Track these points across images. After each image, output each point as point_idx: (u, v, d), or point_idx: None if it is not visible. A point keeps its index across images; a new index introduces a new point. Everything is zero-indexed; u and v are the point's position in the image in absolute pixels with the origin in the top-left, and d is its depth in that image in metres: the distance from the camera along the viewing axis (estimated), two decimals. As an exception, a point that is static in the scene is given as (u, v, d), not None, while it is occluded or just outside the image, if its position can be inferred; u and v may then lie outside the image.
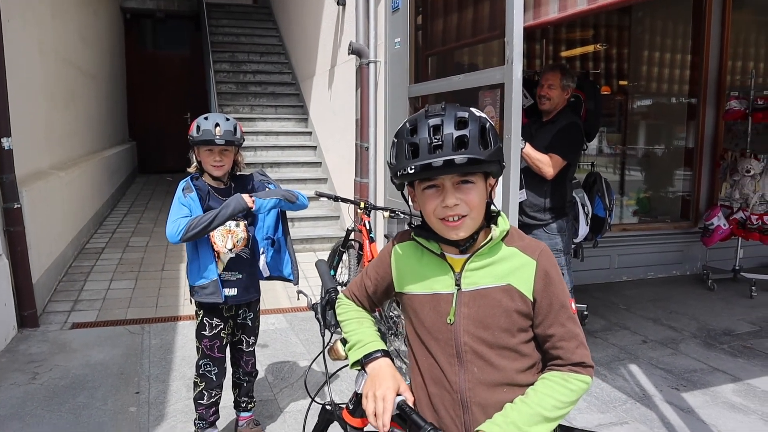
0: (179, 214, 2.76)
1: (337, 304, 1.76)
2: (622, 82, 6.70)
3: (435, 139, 1.35)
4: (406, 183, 1.49)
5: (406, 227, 1.60)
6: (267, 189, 3.01)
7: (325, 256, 5.72)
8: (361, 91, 5.89)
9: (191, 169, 2.94)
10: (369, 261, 4.21)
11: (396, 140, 1.43)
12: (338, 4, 7.18)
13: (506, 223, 1.49)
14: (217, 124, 2.74)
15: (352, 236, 4.68)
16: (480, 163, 1.34)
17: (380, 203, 5.44)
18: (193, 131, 2.78)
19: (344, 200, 4.53)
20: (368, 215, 4.43)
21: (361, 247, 4.54)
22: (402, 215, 4.25)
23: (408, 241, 1.59)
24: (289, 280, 3.11)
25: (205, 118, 2.79)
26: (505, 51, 3.57)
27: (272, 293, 5.67)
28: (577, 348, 1.43)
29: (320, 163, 9.07)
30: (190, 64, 15.03)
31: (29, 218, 4.98)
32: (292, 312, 5.26)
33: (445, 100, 4.84)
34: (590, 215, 4.48)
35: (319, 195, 4.61)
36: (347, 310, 1.72)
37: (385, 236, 4.98)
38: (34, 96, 6.02)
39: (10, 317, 4.62)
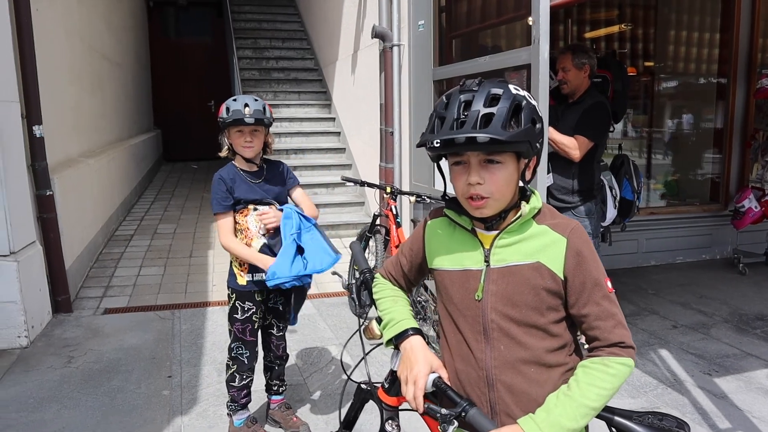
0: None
1: (373, 284, 1.77)
2: (647, 63, 6.59)
3: (463, 114, 1.35)
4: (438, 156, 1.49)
5: (439, 202, 1.60)
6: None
7: (350, 242, 5.74)
8: (384, 75, 5.86)
9: (222, 153, 2.96)
10: (396, 246, 4.23)
11: (432, 113, 1.43)
12: (361, -13, 7.14)
13: (538, 200, 1.47)
14: (246, 104, 2.75)
15: (378, 221, 4.69)
16: (502, 143, 1.32)
17: (405, 188, 5.43)
18: (222, 113, 2.79)
19: (370, 185, 4.54)
20: (394, 200, 4.43)
21: (387, 233, 4.55)
22: (428, 200, 4.24)
23: (441, 217, 1.59)
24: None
25: (234, 100, 2.80)
26: (530, 31, 3.53)
27: (299, 278, 5.71)
28: (615, 327, 1.40)
29: (344, 148, 9.07)
30: (213, 52, 15.10)
31: (61, 205, 5.07)
32: (319, 298, 5.29)
33: (471, 82, 4.81)
34: (618, 198, 4.43)
35: (345, 180, 4.62)
36: (382, 289, 1.73)
37: (412, 221, 4.98)
38: (63, 84, 6.10)
39: (45, 302, 4.72)
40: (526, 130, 1.35)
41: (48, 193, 4.82)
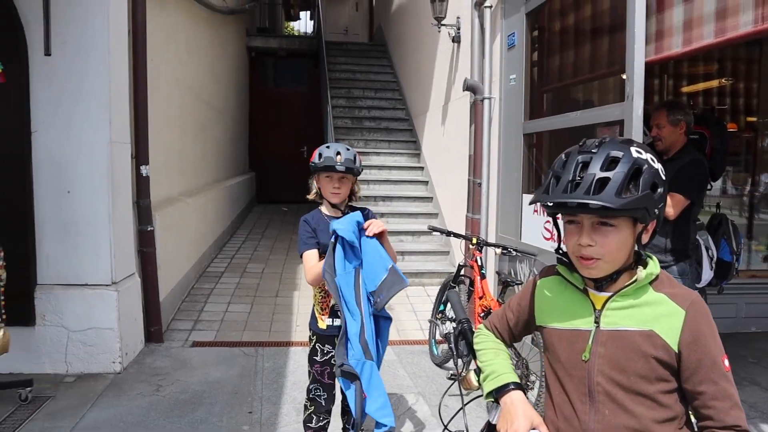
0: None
1: (475, 334, 1.78)
2: (750, 119, 6.33)
3: (579, 176, 1.34)
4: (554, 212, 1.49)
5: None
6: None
7: (434, 290, 5.74)
8: (474, 127, 5.92)
9: (310, 196, 3.06)
10: (480, 297, 4.20)
11: (549, 170, 1.44)
12: (453, 41, 7.30)
13: (656, 267, 1.43)
14: (338, 153, 2.85)
15: (463, 272, 4.67)
16: (614, 211, 1.30)
17: (492, 239, 5.40)
18: (315, 158, 2.89)
19: (456, 235, 4.55)
20: (480, 251, 4.42)
21: (471, 283, 4.53)
22: (515, 252, 4.21)
23: (552, 275, 1.59)
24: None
25: (327, 147, 2.90)
26: (624, 87, 3.50)
27: (380, 324, 5.73)
28: (731, 409, 1.34)
29: (431, 198, 9.14)
30: (308, 100, 15.68)
31: (160, 241, 5.36)
32: (400, 345, 5.29)
33: (561, 137, 4.80)
34: (715, 259, 4.23)
35: (432, 229, 4.66)
36: (485, 341, 1.73)
37: (497, 273, 4.93)
38: (170, 128, 6.52)
39: (139, 332, 4.97)
40: (644, 196, 1.32)
41: (149, 229, 5.13)
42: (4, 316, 3.76)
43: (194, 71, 8.00)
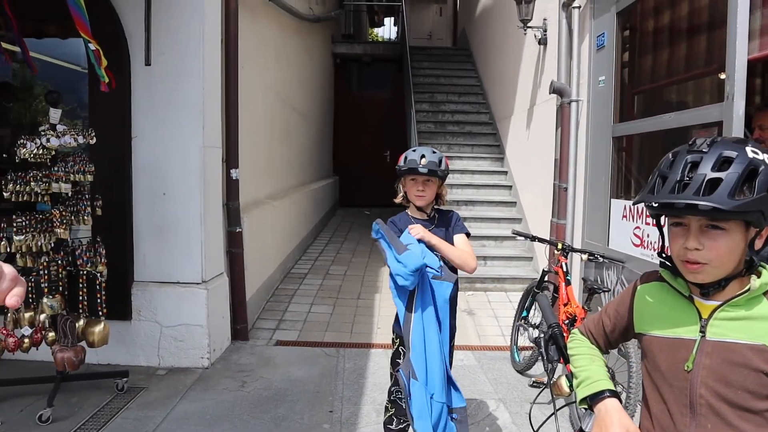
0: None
1: (569, 339, 1.73)
2: None
3: (687, 177, 1.27)
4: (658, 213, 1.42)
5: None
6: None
7: (516, 296, 5.65)
8: (561, 131, 5.79)
9: (397, 200, 3.09)
10: (564, 304, 4.09)
11: (654, 169, 1.38)
12: (539, 43, 7.17)
13: None
14: (423, 156, 2.87)
15: (546, 278, 4.57)
16: (725, 213, 1.22)
17: (577, 245, 5.25)
18: (400, 162, 2.93)
19: (541, 240, 4.45)
20: (565, 257, 4.30)
21: (555, 290, 4.42)
22: (602, 259, 4.08)
23: (654, 281, 1.51)
24: None
25: (413, 150, 2.94)
26: (723, 86, 3.33)
27: (462, 330, 5.68)
28: None
29: (515, 202, 9.00)
30: (391, 105, 15.79)
31: (247, 242, 5.53)
32: (480, 350, 5.23)
33: (652, 140, 4.61)
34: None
35: (516, 234, 4.59)
36: (579, 345, 1.67)
37: (583, 279, 4.79)
38: (259, 133, 6.72)
39: (226, 329, 5.14)
40: (759, 198, 1.23)
41: (237, 230, 5.30)
42: (104, 310, 3.99)
43: (282, 78, 8.22)
